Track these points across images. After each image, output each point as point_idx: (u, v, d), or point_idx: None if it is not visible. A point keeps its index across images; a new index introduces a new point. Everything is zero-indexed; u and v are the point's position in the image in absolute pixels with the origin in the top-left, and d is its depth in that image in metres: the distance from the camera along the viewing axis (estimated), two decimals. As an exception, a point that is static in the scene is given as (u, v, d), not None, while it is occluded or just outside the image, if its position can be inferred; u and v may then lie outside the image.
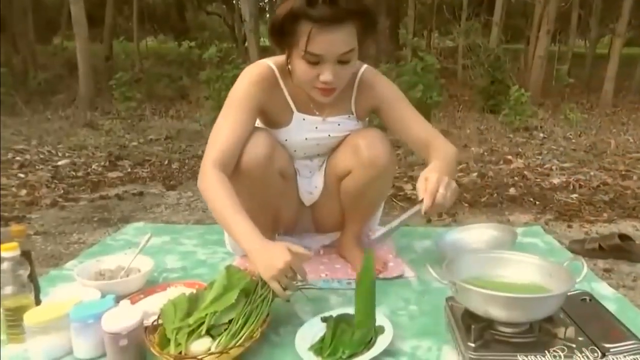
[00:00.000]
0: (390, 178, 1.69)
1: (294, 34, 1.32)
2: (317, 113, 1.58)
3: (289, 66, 1.45)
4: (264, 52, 8.10)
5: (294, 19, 1.30)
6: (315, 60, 1.34)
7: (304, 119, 1.57)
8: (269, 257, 1.25)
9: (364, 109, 1.62)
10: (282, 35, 1.35)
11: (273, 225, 1.71)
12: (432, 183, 1.28)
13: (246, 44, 7.64)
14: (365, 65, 1.59)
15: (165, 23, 15.85)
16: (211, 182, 1.36)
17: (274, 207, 1.66)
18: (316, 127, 1.59)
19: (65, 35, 9.93)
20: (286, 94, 1.54)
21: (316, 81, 1.38)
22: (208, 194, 1.36)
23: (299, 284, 1.32)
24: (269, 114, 1.56)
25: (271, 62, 1.52)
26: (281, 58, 1.51)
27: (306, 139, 1.59)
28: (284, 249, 1.25)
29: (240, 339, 1.16)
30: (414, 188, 3.01)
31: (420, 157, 1.61)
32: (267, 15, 15.08)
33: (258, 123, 1.58)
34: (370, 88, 1.58)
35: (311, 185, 1.71)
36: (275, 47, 1.43)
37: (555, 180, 3.16)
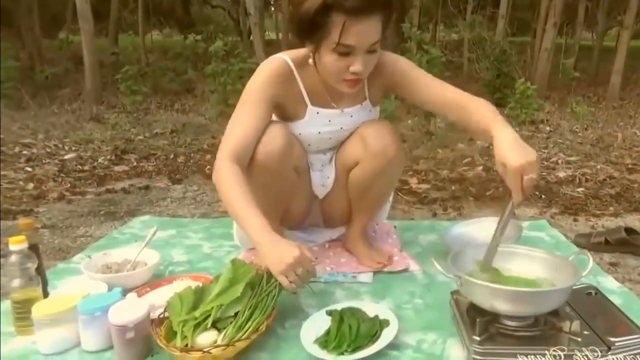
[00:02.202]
0: (398, 170, 1.68)
1: (325, 26, 1.31)
2: (334, 105, 1.58)
3: (313, 60, 1.44)
4: (269, 46, 8.08)
5: (326, 11, 1.29)
6: (347, 51, 1.34)
7: (317, 113, 1.57)
8: (279, 251, 1.25)
9: (378, 91, 1.62)
10: (312, 29, 1.34)
11: (283, 219, 1.72)
12: (527, 181, 1.22)
13: (251, 38, 7.63)
14: None
15: (171, 17, 15.84)
16: (225, 175, 1.36)
17: (286, 201, 1.66)
18: (329, 120, 1.59)
19: (71, 29, 9.93)
20: (301, 87, 1.54)
21: (345, 73, 1.38)
22: (221, 186, 1.36)
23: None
24: (284, 108, 1.56)
25: (286, 56, 1.52)
26: (296, 52, 1.51)
27: (319, 132, 1.60)
28: (294, 245, 1.26)
29: (246, 331, 1.17)
30: (419, 182, 3.02)
31: (451, 118, 1.54)
32: (272, 9, 15.05)
33: (273, 117, 1.58)
34: (382, 67, 1.54)
35: (324, 177, 1.71)
36: (300, 41, 1.42)
37: (561, 174, 3.15)
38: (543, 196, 2.70)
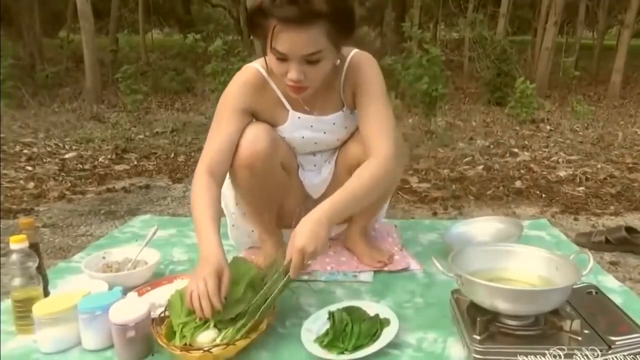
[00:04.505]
0: (400, 169, 1.68)
1: (264, 28, 1.31)
2: (308, 109, 1.57)
3: (266, 59, 1.43)
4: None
5: (262, 14, 1.28)
6: (282, 57, 1.32)
7: (299, 117, 1.57)
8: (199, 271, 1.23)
9: (350, 94, 1.57)
10: (254, 29, 1.34)
11: (279, 219, 1.72)
12: (295, 256, 1.23)
13: (251, 37, 7.61)
14: (354, 50, 1.54)
15: (171, 15, 15.82)
16: (198, 189, 1.38)
17: (279, 199, 1.66)
18: (311, 126, 1.58)
19: (72, 28, 9.91)
20: (278, 93, 1.54)
21: (286, 77, 1.36)
22: (193, 199, 1.39)
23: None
24: (264, 115, 1.55)
25: (257, 65, 1.52)
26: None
27: (303, 137, 1.59)
28: (212, 275, 1.20)
29: (246, 330, 1.17)
30: (420, 181, 3.03)
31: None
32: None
33: None
34: (356, 69, 1.52)
35: (320, 176, 1.71)
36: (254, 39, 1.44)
37: (562, 173, 3.15)
38: (544, 195, 2.70)
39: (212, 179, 1.40)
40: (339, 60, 1.47)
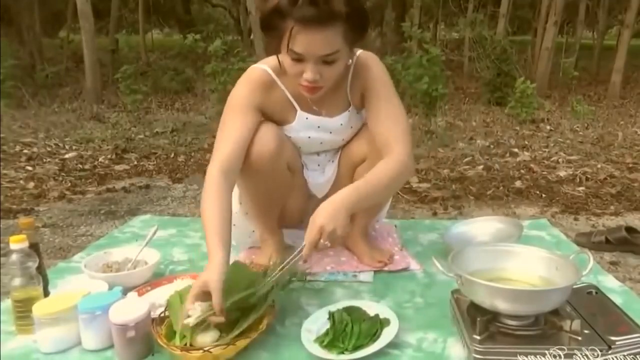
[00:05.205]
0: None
1: (280, 29, 1.31)
2: (316, 109, 1.57)
3: (279, 59, 1.44)
4: (270, 45, 8.03)
5: (279, 15, 1.29)
6: (298, 58, 1.33)
7: (307, 118, 1.57)
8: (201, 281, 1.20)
9: (357, 95, 1.58)
10: (270, 30, 1.35)
11: (281, 218, 1.72)
12: (312, 233, 1.25)
13: (251, 37, 7.61)
14: (360, 51, 1.55)
15: (171, 16, 15.81)
16: (208, 195, 1.34)
17: (282, 199, 1.66)
18: (318, 126, 1.58)
19: (72, 28, 9.91)
20: (287, 93, 1.54)
21: (301, 78, 1.37)
22: (203, 206, 1.34)
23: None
24: (272, 114, 1.55)
25: (265, 65, 1.52)
26: (273, 59, 1.49)
27: (309, 137, 1.60)
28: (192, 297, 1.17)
29: (246, 330, 1.17)
30: (420, 181, 3.02)
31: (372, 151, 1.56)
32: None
33: None
34: (364, 69, 1.53)
35: (324, 176, 1.71)
36: (266, 39, 1.43)
37: (562, 173, 3.15)
38: (544, 195, 2.70)
39: (225, 181, 1.37)
40: (350, 60, 1.46)
